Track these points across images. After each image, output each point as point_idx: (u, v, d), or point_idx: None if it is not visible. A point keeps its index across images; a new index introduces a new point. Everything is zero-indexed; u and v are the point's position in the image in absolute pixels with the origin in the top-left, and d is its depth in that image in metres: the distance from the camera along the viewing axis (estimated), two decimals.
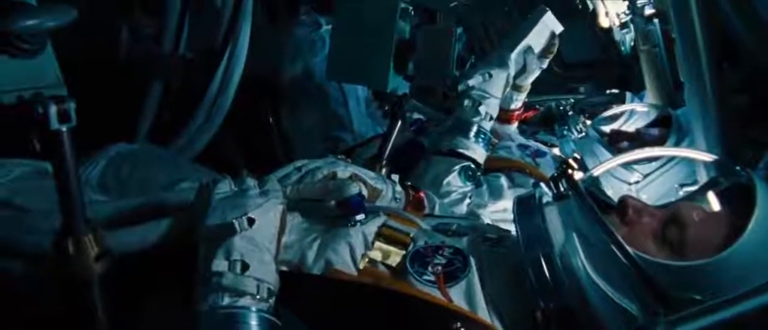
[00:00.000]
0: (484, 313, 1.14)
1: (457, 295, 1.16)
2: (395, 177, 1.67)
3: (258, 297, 1.10)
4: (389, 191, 1.58)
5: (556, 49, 2.19)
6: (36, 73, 1.23)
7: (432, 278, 1.18)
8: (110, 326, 1.14)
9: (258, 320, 1.09)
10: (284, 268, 1.20)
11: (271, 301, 1.13)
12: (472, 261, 1.21)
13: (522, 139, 2.57)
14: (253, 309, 1.09)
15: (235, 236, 1.13)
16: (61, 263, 1.10)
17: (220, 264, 1.11)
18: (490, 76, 2.08)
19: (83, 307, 1.12)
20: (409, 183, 1.75)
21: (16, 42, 1.33)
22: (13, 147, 1.48)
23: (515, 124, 2.59)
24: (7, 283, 1.25)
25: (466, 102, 2.07)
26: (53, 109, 1.04)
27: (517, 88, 2.35)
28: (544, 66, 2.23)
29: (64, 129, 1.06)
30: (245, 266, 1.11)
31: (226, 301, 1.09)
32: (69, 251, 1.09)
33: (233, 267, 1.11)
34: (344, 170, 1.52)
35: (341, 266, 1.21)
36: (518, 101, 2.46)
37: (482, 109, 2.05)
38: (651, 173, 2.21)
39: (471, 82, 2.07)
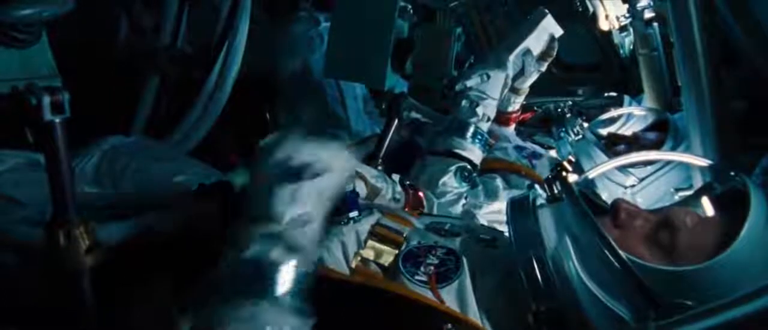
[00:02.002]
0: (475, 315, 1.14)
1: (448, 296, 1.16)
2: (396, 177, 1.65)
3: (308, 259, 1.00)
4: (389, 191, 1.57)
5: (555, 53, 2.18)
6: (30, 64, 1.23)
7: (424, 278, 1.17)
8: (99, 317, 1.13)
9: (298, 283, 0.98)
10: None
11: (314, 269, 1.02)
12: (465, 262, 1.21)
13: (519, 141, 2.57)
14: (300, 269, 0.98)
15: (305, 184, 1.02)
16: (51, 254, 1.10)
17: (282, 212, 0.99)
18: (488, 77, 2.07)
19: (73, 298, 1.12)
20: (409, 183, 1.74)
21: (10, 32, 1.32)
22: (7, 137, 1.48)
23: (513, 127, 2.59)
24: None
25: (464, 102, 2.06)
26: (46, 100, 1.04)
27: (515, 90, 2.35)
28: (543, 69, 2.23)
29: (57, 120, 1.05)
30: (307, 222, 1.01)
31: (275, 254, 0.97)
32: (60, 243, 1.09)
33: (294, 220, 1.00)
34: None
35: (333, 264, 1.20)
36: (516, 104, 2.45)
37: (479, 110, 2.04)
38: (647, 177, 2.21)
39: (469, 83, 2.06)
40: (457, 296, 1.16)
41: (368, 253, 1.24)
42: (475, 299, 1.16)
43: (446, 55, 2.12)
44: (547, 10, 2.14)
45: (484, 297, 1.16)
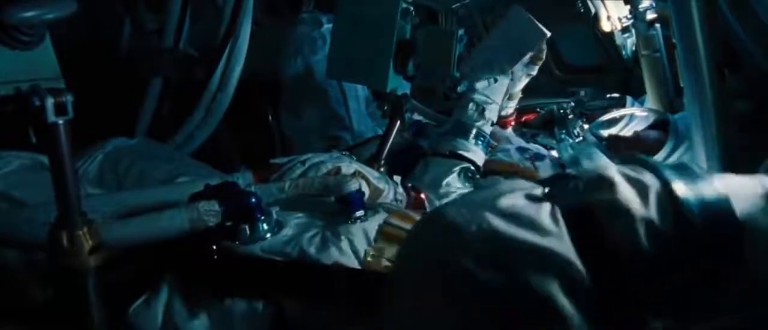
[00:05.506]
0: None
1: None
2: (397, 178, 1.67)
3: None
4: (391, 192, 1.58)
5: (544, 56, 2.22)
6: (34, 65, 1.23)
7: None
8: (104, 318, 1.13)
9: None
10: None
11: None
12: None
13: (521, 142, 2.58)
14: None
15: None
16: (55, 255, 1.10)
17: None
18: (495, 81, 2.11)
19: (77, 299, 1.12)
20: (411, 184, 1.76)
21: (14, 33, 1.33)
22: (11, 139, 1.48)
23: (509, 129, 2.62)
24: (2, 273, 1.24)
25: (471, 107, 2.09)
26: (50, 102, 1.04)
27: (508, 95, 2.38)
28: (533, 73, 2.27)
29: (60, 122, 1.05)
30: None
31: None
32: (63, 244, 1.09)
33: None
34: (348, 166, 1.52)
35: (346, 262, 1.21)
36: (510, 108, 2.50)
37: (486, 113, 2.08)
38: None
39: (478, 86, 2.10)
40: None
41: (377, 252, 1.24)
42: None
43: (449, 56, 2.12)
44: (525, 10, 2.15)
45: None
